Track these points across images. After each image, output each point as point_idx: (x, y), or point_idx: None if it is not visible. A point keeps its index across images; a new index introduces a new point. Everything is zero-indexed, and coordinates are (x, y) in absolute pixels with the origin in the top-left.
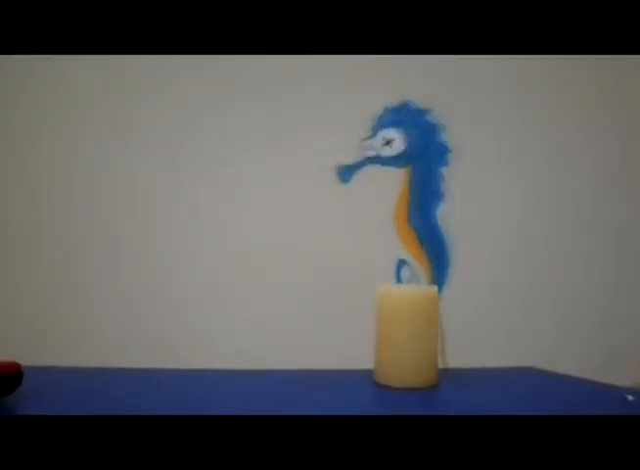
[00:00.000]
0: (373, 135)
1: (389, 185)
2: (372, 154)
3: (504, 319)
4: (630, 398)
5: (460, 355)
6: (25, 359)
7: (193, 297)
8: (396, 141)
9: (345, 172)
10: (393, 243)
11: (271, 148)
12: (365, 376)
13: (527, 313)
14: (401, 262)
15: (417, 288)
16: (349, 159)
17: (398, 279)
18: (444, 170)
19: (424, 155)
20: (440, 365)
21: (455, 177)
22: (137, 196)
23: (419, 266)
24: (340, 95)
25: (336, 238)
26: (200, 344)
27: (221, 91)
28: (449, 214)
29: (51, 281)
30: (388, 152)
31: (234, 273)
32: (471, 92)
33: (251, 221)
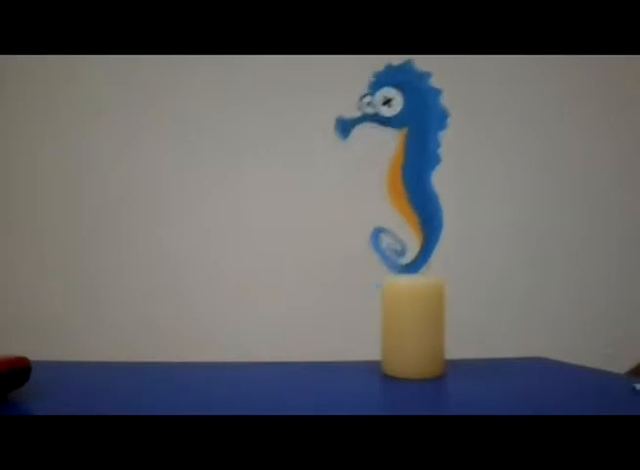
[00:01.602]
0: (372, 93)
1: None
2: (371, 111)
3: (508, 312)
4: (639, 387)
5: (465, 346)
6: (29, 355)
7: (197, 291)
8: (395, 100)
9: (344, 126)
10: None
11: (273, 142)
12: (372, 367)
13: (531, 306)
14: (379, 232)
15: (424, 279)
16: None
17: (379, 251)
18: (441, 135)
19: (421, 117)
20: None
21: (454, 173)
22: (139, 193)
23: (410, 230)
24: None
25: (341, 232)
26: (204, 339)
27: (222, 87)
28: (451, 212)
29: (54, 278)
30: (387, 111)
31: (237, 267)
32: (469, 90)
33: (253, 215)
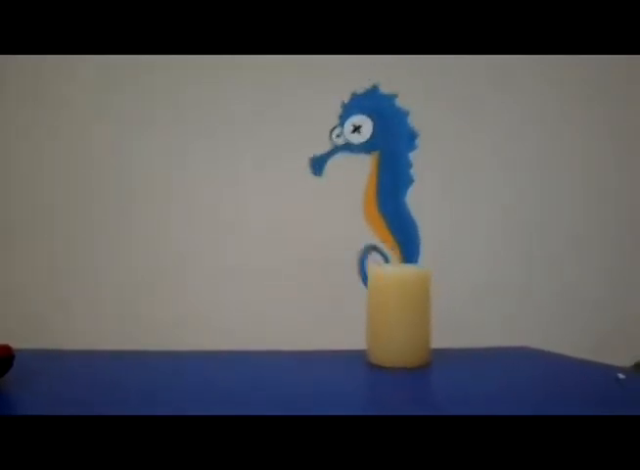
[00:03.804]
0: (342, 123)
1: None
2: (341, 142)
3: (498, 302)
4: (621, 376)
5: (453, 337)
6: (23, 343)
7: (193, 284)
8: (364, 127)
9: (317, 163)
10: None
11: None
12: (357, 357)
13: (522, 297)
14: (368, 249)
15: (409, 268)
16: (321, 149)
17: (363, 267)
18: (412, 155)
19: (391, 140)
20: None
21: (453, 163)
22: (136, 188)
23: (388, 250)
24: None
25: (323, 222)
26: (192, 326)
27: (223, 87)
28: (447, 199)
29: (52, 270)
30: (356, 139)
31: (232, 262)
32: (468, 90)
33: (250, 211)
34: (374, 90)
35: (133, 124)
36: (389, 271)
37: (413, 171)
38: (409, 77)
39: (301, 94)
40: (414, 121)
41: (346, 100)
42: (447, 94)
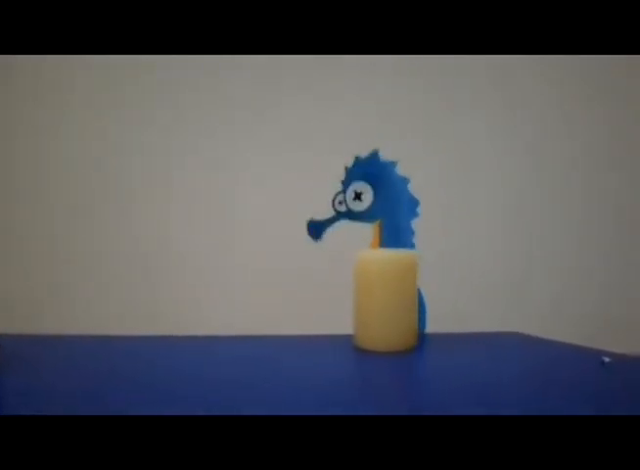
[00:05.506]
0: (344, 190)
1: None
2: (343, 209)
3: (498, 302)
4: (607, 359)
5: (447, 323)
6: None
7: (188, 281)
8: (365, 195)
9: (316, 229)
10: None
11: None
12: (344, 341)
13: (521, 296)
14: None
15: (396, 252)
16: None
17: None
18: (414, 222)
19: (392, 209)
20: None
21: (454, 151)
22: (136, 188)
23: None
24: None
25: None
26: (186, 313)
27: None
28: (441, 196)
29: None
30: (358, 206)
31: (228, 257)
32: (467, 87)
33: (244, 209)
34: (374, 156)
35: (133, 124)
36: (374, 255)
37: (415, 239)
38: (408, 74)
39: (301, 95)
40: (414, 121)
41: (349, 164)
42: (447, 94)
